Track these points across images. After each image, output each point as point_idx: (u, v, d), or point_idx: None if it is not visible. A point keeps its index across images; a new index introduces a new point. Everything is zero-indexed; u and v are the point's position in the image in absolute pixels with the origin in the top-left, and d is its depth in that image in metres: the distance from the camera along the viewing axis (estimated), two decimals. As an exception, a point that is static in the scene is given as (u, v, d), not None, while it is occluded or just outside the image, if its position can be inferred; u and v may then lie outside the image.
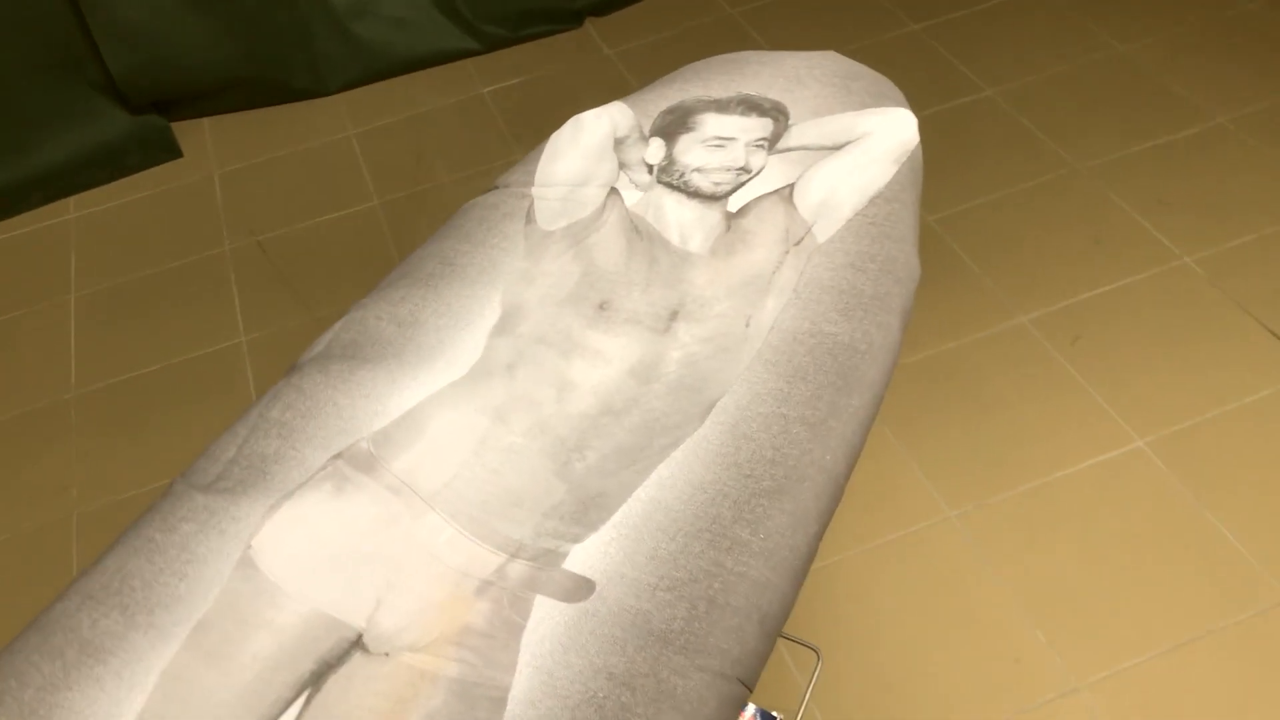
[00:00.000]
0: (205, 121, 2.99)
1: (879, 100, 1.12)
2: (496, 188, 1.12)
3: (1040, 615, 1.64)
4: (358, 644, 0.79)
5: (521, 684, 0.76)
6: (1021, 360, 2.00)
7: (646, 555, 0.83)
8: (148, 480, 2.08)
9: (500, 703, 0.75)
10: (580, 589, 0.81)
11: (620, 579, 0.81)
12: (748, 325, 0.95)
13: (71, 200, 2.80)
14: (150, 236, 2.64)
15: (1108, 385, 1.93)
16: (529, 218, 1.07)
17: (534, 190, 1.09)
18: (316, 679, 0.77)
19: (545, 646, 0.78)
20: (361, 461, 0.88)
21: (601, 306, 0.97)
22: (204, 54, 2.82)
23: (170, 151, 2.87)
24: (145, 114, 2.87)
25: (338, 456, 0.89)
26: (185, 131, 2.95)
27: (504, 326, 0.98)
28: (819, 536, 0.86)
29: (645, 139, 1.11)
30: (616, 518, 0.85)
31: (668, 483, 0.86)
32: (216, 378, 2.26)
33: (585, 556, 0.83)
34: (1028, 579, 1.69)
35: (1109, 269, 2.13)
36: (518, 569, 0.83)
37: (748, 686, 0.79)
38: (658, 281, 0.99)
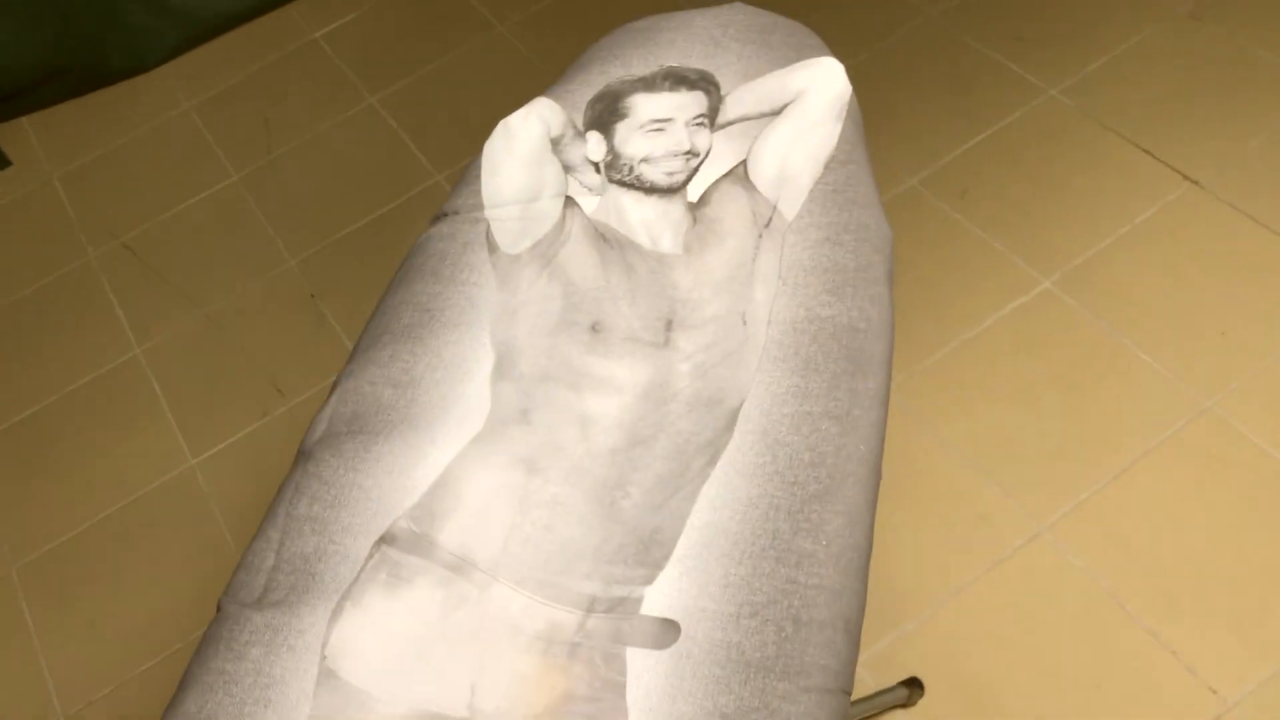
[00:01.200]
0: (25, 122, 2.80)
1: (800, 51, 1.12)
2: (446, 215, 1.09)
3: (991, 470, 1.74)
4: None
5: None
6: (918, 223, 2.06)
7: (719, 584, 0.85)
8: (82, 518, 2.01)
9: None
10: (668, 633, 0.83)
11: (702, 614, 0.84)
12: (744, 322, 0.97)
13: (-96, 235, 2.61)
14: (5, 259, 2.49)
15: (1004, 233, 2.01)
16: (490, 244, 1.04)
17: (487, 213, 1.06)
18: None
19: (652, 700, 0.80)
20: (408, 543, 0.88)
21: (594, 328, 0.96)
22: (9, 49, 2.62)
23: (-4, 162, 2.69)
24: (-42, 126, 2.67)
25: (381, 542, 0.88)
26: (5, 136, 2.76)
27: (503, 370, 0.97)
28: (872, 525, 0.90)
29: (581, 134, 1.09)
30: (679, 551, 0.87)
31: (718, 503, 0.88)
32: (124, 396, 2.18)
33: (660, 597, 0.85)
34: (971, 437, 1.78)
35: (981, 116, 2.18)
36: (600, 624, 0.84)
37: (849, 693, 0.83)
38: (642, 291, 0.98)
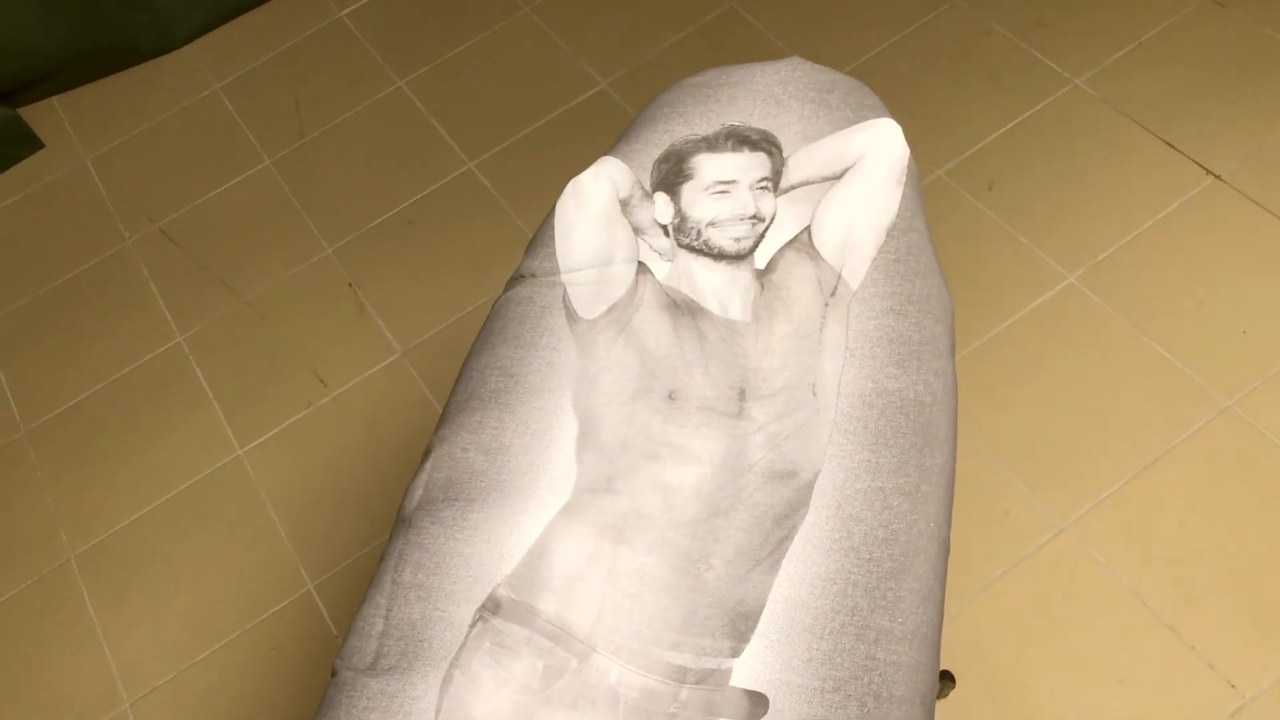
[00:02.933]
0: (55, 102, 2.82)
1: (859, 111, 1.16)
2: (523, 278, 1.13)
3: (1015, 466, 1.80)
4: None
5: None
6: (946, 214, 2.10)
7: (803, 659, 0.91)
8: (135, 508, 2.08)
9: None
10: (757, 706, 0.89)
11: (787, 687, 0.90)
12: (814, 394, 1.02)
13: (-59, 219, 2.65)
14: (42, 244, 2.54)
15: (1029, 226, 2.05)
16: (568, 309, 1.10)
17: (563, 277, 1.11)
18: None
19: None
20: (509, 612, 0.94)
21: (670, 397, 1.02)
22: (38, 29, 2.64)
23: (29, 144, 2.72)
24: (-11, 108, 2.70)
25: (484, 609, 0.95)
26: (38, 118, 2.79)
27: (586, 438, 1.02)
28: (943, 601, 0.96)
29: (649, 195, 1.13)
30: (763, 625, 0.93)
31: (796, 579, 0.94)
32: (169, 385, 2.24)
33: (747, 670, 0.91)
34: (996, 433, 1.84)
35: (1007, 106, 2.22)
36: (693, 695, 0.91)
37: None
38: (714, 359, 1.04)
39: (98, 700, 1.89)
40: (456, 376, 1.12)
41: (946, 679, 1.62)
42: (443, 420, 1.07)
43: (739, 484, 0.99)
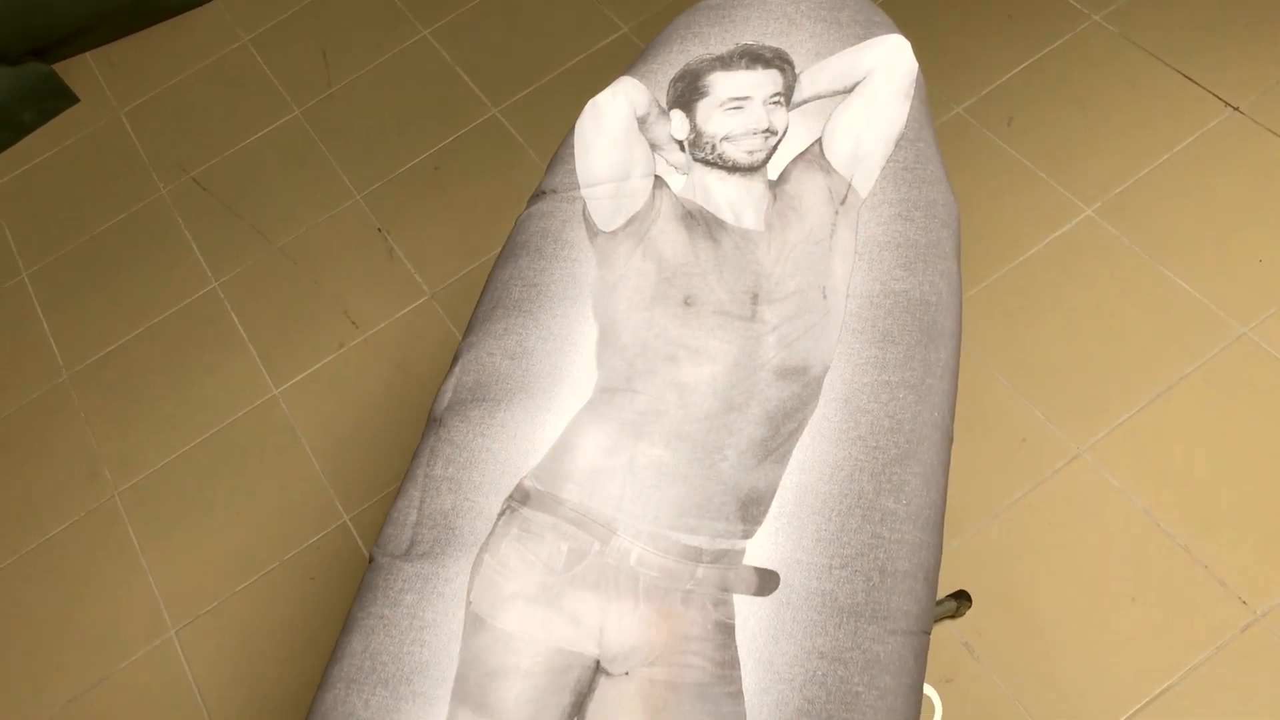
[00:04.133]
0: (89, 58, 2.88)
1: (869, 29, 1.19)
2: (544, 194, 1.18)
3: (1034, 395, 1.84)
4: (599, 669, 0.93)
5: (749, 677, 0.90)
6: (965, 151, 2.12)
7: (812, 539, 0.96)
8: (176, 445, 2.15)
9: (738, 696, 0.90)
10: (769, 582, 0.94)
11: (798, 565, 0.95)
12: (825, 296, 1.06)
13: (-19, 173, 2.72)
14: (80, 195, 2.60)
15: (1047, 161, 2.07)
16: (588, 222, 1.14)
17: (582, 192, 1.16)
18: (578, 707, 0.91)
19: (758, 640, 0.92)
20: (535, 501, 1.00)
21: (686, 302, 1.06)
22: (70, -13, 2.70)
23: (65, 98, 2.78)
24: (24, 63, 2.75)
25: (511, 499, 1.00)
26: (72, 73, 2.84)
27: (606, 343, 1.07)
28: (946, 485, 1.00)
29: (665, 113, 1.17)
30: (774, 509, 0.98)
31: (806, 466, 0.99)
32: (205, 329, 2.30)
33: (760, 550, 0.97)
34: (1015, 363, 1.87)
35: (1026, 42, 2.23)
36: (709, 573, 0.96)
37: (929, 633, 0.95)
38: (729, 266, 1.08)
39: (144, 628, 1.96)
40: (482, 289, 1.16)
41: (963, 598, 1.67)
42: (469, 329, 1.12)
43: (752, 381, 1.03)
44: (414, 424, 2.07)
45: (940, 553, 0.99)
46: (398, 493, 1.05)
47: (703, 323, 1.06)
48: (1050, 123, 2.12)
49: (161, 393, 2.23)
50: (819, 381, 1.03)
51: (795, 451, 1.00)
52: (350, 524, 1.98)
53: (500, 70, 2.53)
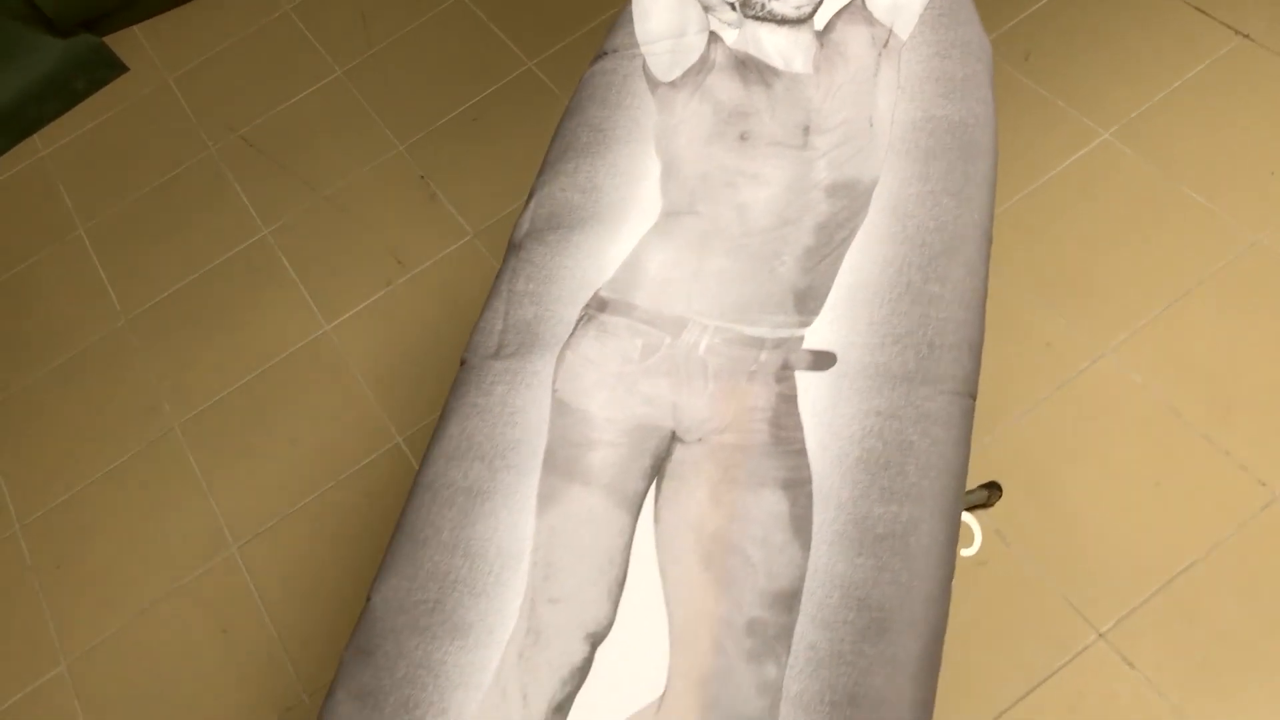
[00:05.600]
0: (136, 30, 3.00)
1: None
2: (605, 54, 1.28)
3: (1057, 302, 1.92)
4: (675, 439, 1.02)
5: (811, 438, 0.99)
6: (985, 85, 2.21)
7: (865, 324, 1.05)
8: (232, 380, 2.25)
9: (801, 452, 0.99)
10: (827, 359, 1.04)
11: (852, 345, 1.04)
12: (871, 124, 1.16)
13: (37, 138, 2.83)
14: (132, 155, 2.71)
15: (1066, 90, 2.16)
16: (648, 76, 1.24)
17: (642, 49, 1.26)
18: (657, 470, 1.00)
19: (819, 405, 1.01)
20: (610, 307, 1.10)
21: (742, 137, 1.17)
22: (118, -38, 2.82)
23: (115, 68, 2.89)
24: (75, 35, 2.87)
25: (588, 307, 1.10)
26: (120, 45, 2.96)
27: (669, 174, 1.17)
28: (987, 275, 1.09)
29: None
30: (829, 302, 1.07)
31: (859, 266, 1.08)
32: (255, 273, 2.40)
33: (817, 337, 1.06)
34: (1038, 276, 1.95)
35: (1042, -18, 2.32)
36: (770, 357, 1.05)
37: (974, 397, 1.04)
38: (780, 104, 1.18)
39: (207, 546, 2.05)
40: (550, 139, 1.26)
41: (994, 489, 1.75)
42: (541, 171, 1.22)
43: (805, 199, 1.13)
44: (460, 352, 2.16)
45: (983, 331, 1.08)
46: (483, 308, 1.14)
47: (758, 153, 1.16)
48: (1067, 56, 2.21)
49: (216, 333, 2.33)
50: (868, 194, 1.12)
51: (848, 255, 1.09)
52: (403, 444, 2.08)
53: (535, 26, 2.63)
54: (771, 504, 0.95)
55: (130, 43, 2.96)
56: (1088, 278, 1.93)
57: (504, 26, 2.66)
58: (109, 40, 2.96)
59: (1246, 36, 2.11)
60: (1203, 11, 2.17)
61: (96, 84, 2.88)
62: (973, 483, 1.77)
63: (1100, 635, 1.63)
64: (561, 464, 1.01)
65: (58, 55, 2.84)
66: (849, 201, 1.12)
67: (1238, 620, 1.60)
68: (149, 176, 2.65)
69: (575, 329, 1.09)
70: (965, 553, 1.67)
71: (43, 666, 2.00)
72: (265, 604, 1.97)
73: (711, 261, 1.11)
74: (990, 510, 1.76)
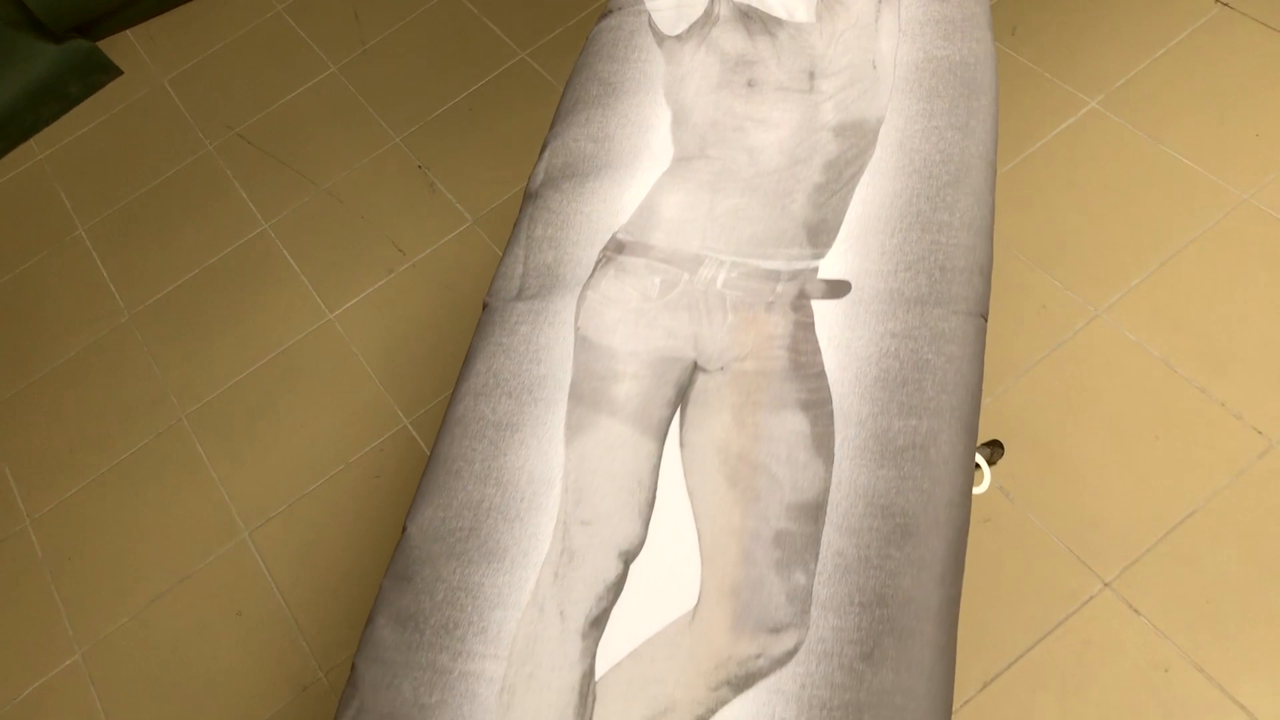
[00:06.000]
0: (129, 34, 3.02)
1: None
2: (611, 11, 1.31)
3: (1051, 266, 1.95)
4: (697, 369, 1.05)
5: (830, 361, 1.02)
6: (973, 60, 2.25)
7: (877, 253, 1.08)
8: (238, 370, 2.27)
9: (820, 375, 1.01)
10: (841, 287, 1.07)
11: (867, 273, 1.07)
12: (874, 66, 1.19)
13: (33, 142, 2.85)
14: (129, 156, 2.73)
15: (1052, 63, 2.20)
16: (654, 31, 1.27)
17: (647, 5, 1.29)
18: (681, 398, 1.03)
19: (836, 330, 1.04)
20: (627, 248, 1.12)
21: (749, 84, 1.20)
22: (110, -34, 2.84)
23: (109, 71, 2.91)
24: (69, 40, 2.89)
25: (606, 249, 1.13)
26: (114, 49, 2.98)
27: (679, 122, 1.20)
28: (993, 202, 1.13)
29: None
30: (842, 234, 1.10)
31: (869, 199, 1.11)
32: (260, 265, 2.42)
33: (831, 268, 1.09)
34: (1032, 241, 1.99)
35: (1025, -41, 2.37)
36: (787, 287, 1.08)
37: (985, 318, 1.07)
38: (785, 52, 1.22)
39: (218, 533, 2.07)
40: (560, 94, 1.29)
41: (996, 446, 1.78)
42: (553, 124, 1.25)
43: (814, 139, 1.16)
44: (466, 335, 2.19)
45: (992, 256, 1.11)
46: (503, 255, 1.17)
47: (765, 99, 1.19)
48: (1052, 28, 2.25)
49: (220, 325, 2.35)
50: (874, 133, 1.15)
51: (857, 190, 1.12)
52: (410, 426, 2.10)
53: (526, 18, 2.66)
54: (794, 424, 0.98)
55: (123, 46, 2.99)
56: (1080, 242, 1.97)
57: (496, 19, 2.69)
58: (102, 45, 2.98)
59: (1225, 4, 2.16)
60: (1183, -18, 2.22)
61: (91, 88, 2.90)
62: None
63: (1106, 584, 1.66)
64: (588, 396, 1.04)
65: (52, 60, 2.86)
66: (856, 139, 1.15)
67: (1239, 565, 1.64)
68: (147, 176, 2.67)
69: (594, 270, 1.12)
70: (975, 491, 1.70)
71: (58, 656, 2.01)
72: (279, 586, 1.98)
73: (725, 201, 1.14)
74: (994, 468, 1.79)
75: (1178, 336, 1.83)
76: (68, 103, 2.89)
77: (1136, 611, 1.63)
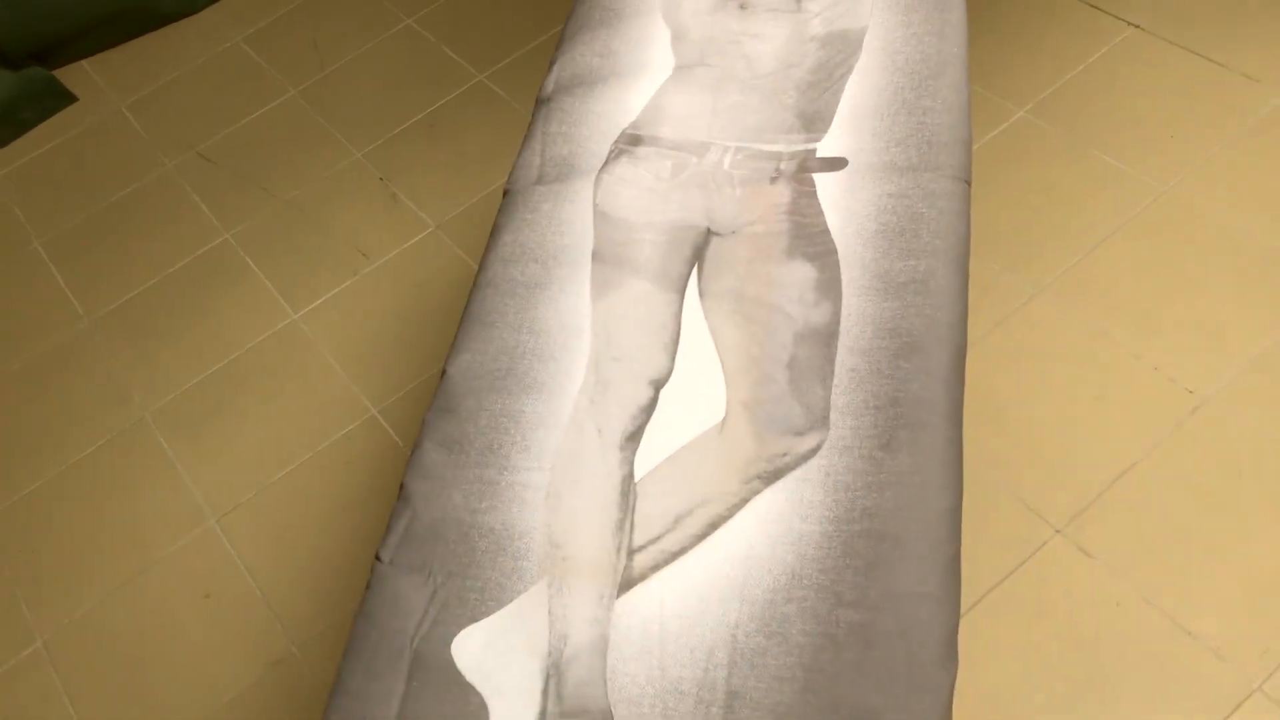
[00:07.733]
0: (85, 65, 3.07)
1: None
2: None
3: (991, 254, 2.09)
4: (710, 234, 1.14)
5: (833, 221, 1.12)
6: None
7: (870, 134, 1.19)
8: (201, 369, 2.29)
9: (825, 231, 1.11)
10: (839, 162, 1.17)
11: (860, 151, 1.18)
12: None
13: (-14, 164, 2.87)
14: (86, 175, 2.76)
15: (983, 78, 2.37)
16: None
17: None
18: (697, 257, 1.11)
19: (836, 194, 1.14)
20: (639, 140, 1.22)
21: (741, 6, 1.32)
22: (74, -6, 2.90)
23: (63, 98, 2.95)
24: (26, 68, 2.93)
25: (618, 142, 1.22)
26: (69, 77, 3.03)
27: (679, 38, 1.32)
28: (969, 94, 1.25)
29: None
30: (835, 121, 1.21)
31: (858, 92, 1.23)
32: (222, 272, 2.46)
33: (828, 149, 1.19)
34: (974, 232, 2.12)
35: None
36: (788, 165, 1.18)
37: (969, 184, 1.17)
38: None
39: (184, 521, 2.08)
40: (565, 18, 1.39)
41: (950, 410, 1.88)
42: (558, 45, 1.35)
43: (804, 48, 1.27)
44: (433, 329, 2.24)
45: (971, 133, 1.22)
46: (520, 150, 1.25)
47: (758, 18, 1.30)
48: (983, 49, 2.43)
49: (184, 327, 2.38)
50: (859, 41, 1.27)
51: (847, 87, 1.23)
52: (379, 415, 2.14)
53: (482, 44, 2.78)
54: (803, 271, 1.07)
55: (78, 76, 3.03)
56: (1018, 233, 2.11)
57: (453, 46, 2.80)
58: (58, 74, 3.02)
59: (1137, 26, 2.36)
60: (1096, 7, 2.41)
61: (46, 113, 2.93)
62: (930, 407, 1.90)
63: (1057, 531, 1.76)
64: (610, 259, 1.12)
65: (8, 86, 2.89)
66: (842, 46, 1.27)
67: (1179, 508, 1.75)
68: (104, 193, 2.70)
69: (608, 158, 1.21)
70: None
71: (17, 645, 1.99)
72: (248, 568, 1.99)
73: (726, 99, 1.24)
74: (947, 431, 1.89)
75: (1111, 310, 1.97)
76: (20, 128, 2.92)
77: (1087, 554, 1.73)
